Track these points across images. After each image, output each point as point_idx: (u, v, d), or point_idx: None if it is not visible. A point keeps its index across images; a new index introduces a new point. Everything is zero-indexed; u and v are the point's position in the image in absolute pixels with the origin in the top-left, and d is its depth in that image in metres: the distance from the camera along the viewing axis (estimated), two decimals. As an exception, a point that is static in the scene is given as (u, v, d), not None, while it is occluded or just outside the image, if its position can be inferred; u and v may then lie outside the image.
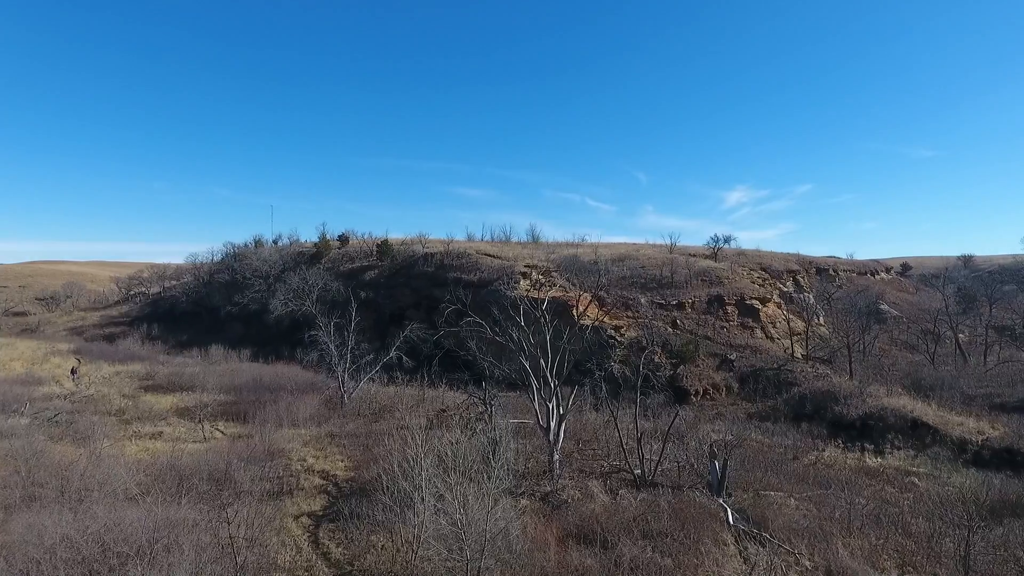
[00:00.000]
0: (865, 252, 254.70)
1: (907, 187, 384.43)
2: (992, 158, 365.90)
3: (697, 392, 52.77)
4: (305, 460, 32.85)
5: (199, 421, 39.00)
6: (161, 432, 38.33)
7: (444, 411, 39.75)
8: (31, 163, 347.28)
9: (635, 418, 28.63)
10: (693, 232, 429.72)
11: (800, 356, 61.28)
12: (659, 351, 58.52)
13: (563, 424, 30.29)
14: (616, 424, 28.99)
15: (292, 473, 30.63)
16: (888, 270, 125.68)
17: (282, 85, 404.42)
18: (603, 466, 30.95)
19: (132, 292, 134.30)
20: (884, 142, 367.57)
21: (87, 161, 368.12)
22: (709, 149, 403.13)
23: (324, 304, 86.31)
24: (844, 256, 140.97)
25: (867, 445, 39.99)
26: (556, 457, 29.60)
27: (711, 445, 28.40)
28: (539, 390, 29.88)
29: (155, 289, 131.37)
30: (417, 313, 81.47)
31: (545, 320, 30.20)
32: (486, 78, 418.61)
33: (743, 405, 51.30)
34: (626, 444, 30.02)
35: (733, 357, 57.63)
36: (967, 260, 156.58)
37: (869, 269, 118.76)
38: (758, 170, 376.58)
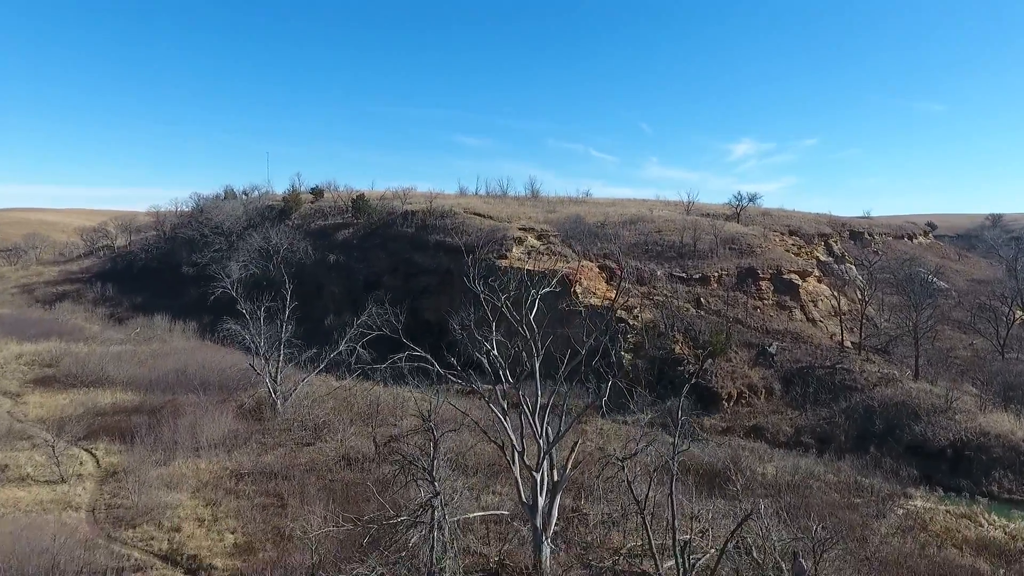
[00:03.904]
0: (878, 209, 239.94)
1: (916, 142, 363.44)
2: (1006, 114, 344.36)
3: (730, 396, 42.03)
4: (179, 530, 22.46)
5: (58, 449, 28.27)
6: (6, 467, 27.89)
7: (394, 440, 29.25)
8: (24, 100, 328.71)
9: (671, 504, 17.74)
10: (698, 185, 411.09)
11: (851, 345, 50.44)
12: (680, 339, 47.66)
13: (557, 497, 19.62)
14: (640, 506, 18.10)
15: (144, 563, 20.18)
16: (925, 233, 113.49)
17: (276, 23, 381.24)
18: (617, 557, 20.48)
19: (98, 245, 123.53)
20: (892, 96, 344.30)
21: (82, 102, 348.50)
22: (714, 100, 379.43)
23: (290, 267, 75.85)
24: (861, 214, 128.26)
25: (975, 492, 29.66)
26: (545, 551, 19.12)
27: (797, 556, 17.79)
28: (522, 453, 19.07)
29: (120, 242, 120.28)
30: (394, 280, 70.38)
31: (536, 350, 19.13)
32: (487, 17, 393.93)
33: (788, 414, 40.64)
34: (648, 515, 19.41)
35: (772, 349, 46.73)
36: (996, 219, 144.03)
37: (906, 232, 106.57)
38: (763, 123, 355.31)
